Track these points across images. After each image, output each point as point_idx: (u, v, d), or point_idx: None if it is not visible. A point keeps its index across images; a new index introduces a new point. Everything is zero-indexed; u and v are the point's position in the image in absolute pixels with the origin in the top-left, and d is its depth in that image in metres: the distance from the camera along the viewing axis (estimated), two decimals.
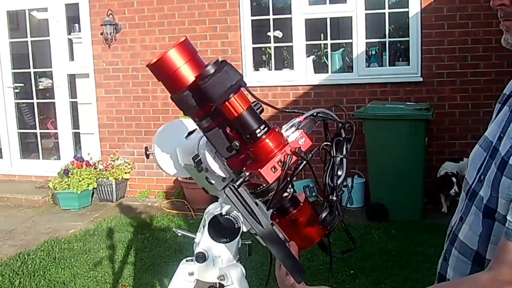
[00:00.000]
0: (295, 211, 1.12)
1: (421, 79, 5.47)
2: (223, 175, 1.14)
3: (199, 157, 1.12)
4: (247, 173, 1.00)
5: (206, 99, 0.97)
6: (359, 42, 5.61)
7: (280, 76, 5.90)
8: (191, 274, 1.32)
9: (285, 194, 1.09)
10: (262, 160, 0.99)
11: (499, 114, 1.17)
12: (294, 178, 1.03)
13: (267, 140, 0.99)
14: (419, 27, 5.43)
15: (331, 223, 1.06)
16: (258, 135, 0.99)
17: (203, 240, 1.30)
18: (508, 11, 1.06)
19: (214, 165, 1.13)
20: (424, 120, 4.80)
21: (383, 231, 4.61)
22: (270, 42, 6.04)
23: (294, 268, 1.10)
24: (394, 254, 4.14)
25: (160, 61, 0.99)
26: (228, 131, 1.03)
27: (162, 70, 1.00)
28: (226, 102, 0.96)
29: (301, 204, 1.13)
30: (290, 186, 1.07)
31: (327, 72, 5.94)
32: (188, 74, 1.00)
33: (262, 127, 0.99)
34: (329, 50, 5.91)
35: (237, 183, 1.00)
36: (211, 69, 0.96)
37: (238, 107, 0.97)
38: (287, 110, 1.07)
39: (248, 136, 0.99)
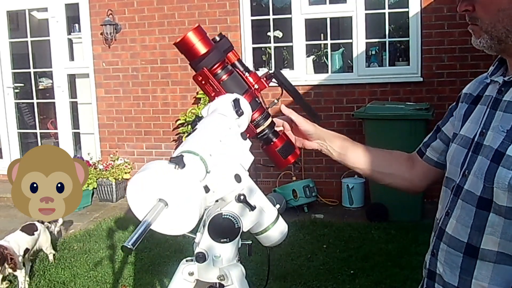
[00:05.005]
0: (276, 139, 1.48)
1: (421, 79, 5.47)
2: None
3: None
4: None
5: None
6: (359, 42, 5.61)
7: None
8: (191, 274, 1.32)
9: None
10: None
11: (473, 113, 1.22)
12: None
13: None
14: (419, 27, 5.43)
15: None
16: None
17: (203, 240, 1.30)
18: (472, 15, 1.12)
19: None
20: (424, 120, 4.79)
21: (383, 231, 4.61)
22: (270, 42, 6.04)
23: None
24: (394, 254, 4.13)
25: (182, 40, 1.34)
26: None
27: (184, 47, 1.35)
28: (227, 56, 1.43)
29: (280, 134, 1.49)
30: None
31: (327, 72, 5.94)
32: (201, 48, 1.34)
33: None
34: (329, 50, 5.91)
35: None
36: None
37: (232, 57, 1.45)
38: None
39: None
